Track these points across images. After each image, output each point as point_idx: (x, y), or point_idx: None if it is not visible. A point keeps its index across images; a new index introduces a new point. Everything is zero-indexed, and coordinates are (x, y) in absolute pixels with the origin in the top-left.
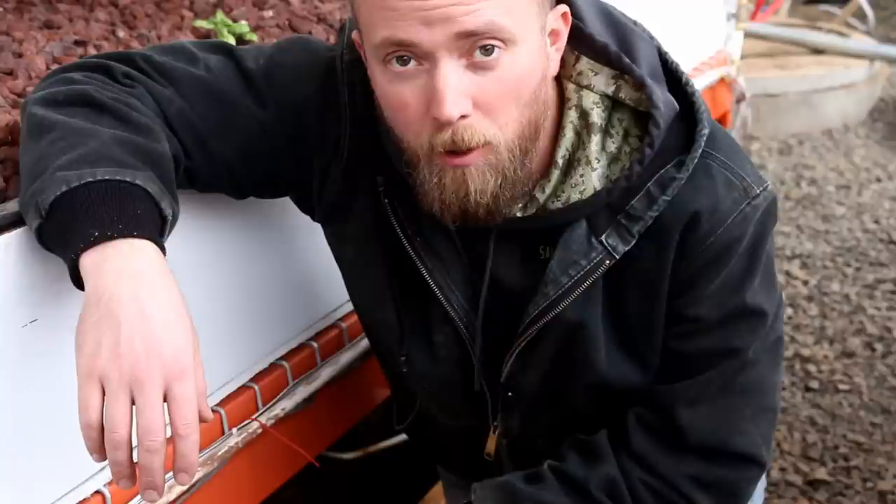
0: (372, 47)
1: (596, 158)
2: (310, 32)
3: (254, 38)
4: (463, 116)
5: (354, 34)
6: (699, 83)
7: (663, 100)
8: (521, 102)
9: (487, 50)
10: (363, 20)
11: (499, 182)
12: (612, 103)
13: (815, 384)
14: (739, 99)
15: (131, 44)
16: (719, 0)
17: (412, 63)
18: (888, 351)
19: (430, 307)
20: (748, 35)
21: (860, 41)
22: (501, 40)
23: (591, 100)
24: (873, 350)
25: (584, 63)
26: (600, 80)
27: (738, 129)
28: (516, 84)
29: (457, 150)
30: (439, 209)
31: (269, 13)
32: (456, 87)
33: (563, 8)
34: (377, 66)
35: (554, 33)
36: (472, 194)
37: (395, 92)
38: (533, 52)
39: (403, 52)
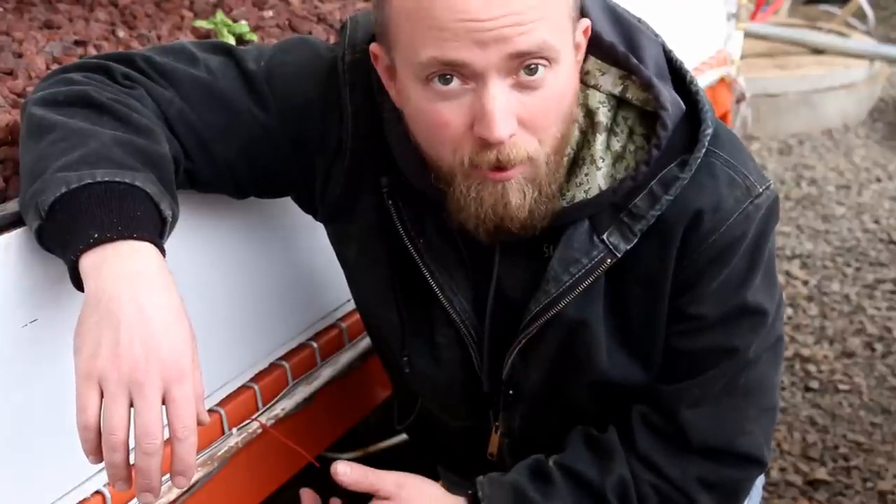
0: (414, 65)
1: (601, 157)
2: (310, 32)
3: (254, 38)
4: (511, 135)
5: (373, 46)
6: (699, 83)
7: (671, 100)
8: (559, 119)
9: (532, 69)
10: (403, 37)
11: (535, 196)
12: (618, 102)
13: (815, 384)
14: (739, 99)
15: (131, 44)
16: (719, 0)
17: (455, 82)
18: (888, 351)
19: (433, 308)
20: (748, 35)
21: (860, 41)
22: (547, 59)
23: (597, 99)
24: (873, 350)
25: (592, 63)
26: (607, 80)
27: (738, 129)
28: (558, 101)
29: (500, 167)
30: (475, 224)
31: (269, 13)
32: (505, 107)
33: (586, 22)
34: (416, 83)
35: (578, 47)
36: (512, 208)
37: (436, 110)
38: (570, 69)
39: (450, 71)
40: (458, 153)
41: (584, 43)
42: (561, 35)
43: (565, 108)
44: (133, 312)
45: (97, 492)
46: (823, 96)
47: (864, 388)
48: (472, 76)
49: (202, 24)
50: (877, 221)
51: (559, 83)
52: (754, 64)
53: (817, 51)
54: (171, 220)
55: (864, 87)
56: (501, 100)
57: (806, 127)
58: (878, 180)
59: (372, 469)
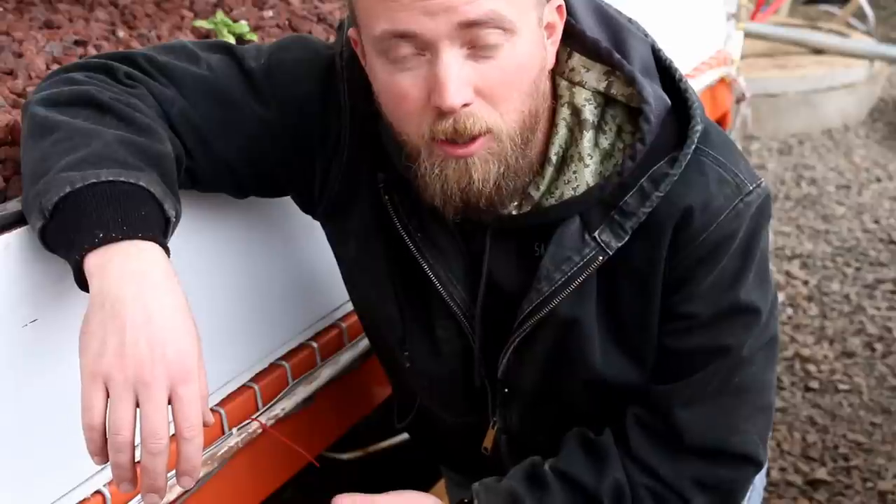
0: (372, 40)
1: (588, 155)
2: (310, 32)
3: (254, 38)
4: (465, 105)
5: (351, 31)
6: (699, 83)
7: (654, 95)
8: (521, 91)
9: (488, 39)
10: (362, 13)
11: (501, 171)
12: (605, 100)
13: (815, 384)
14: (739, 99)
15: (131, 44)
16: (719, 0)
17: (412, 53)
18: (888, 351)
19: (432, 302)
20: (748, 35)
21: (860, 41)
22: (502, 30)
23: (583, 96)
24: (873, 350)
25: (576, 59)
26: (592, 76)
27: (738, 129)
28: (517, 73)
29: (459, 138)
30: (441, 201)
31: (269, 13)
32: (458, 75)
33: (559, 1)
34: (377, 58)
35: (550, 26)
36: (475, 183)
37: (395, 83)
38: (532, 43)
39: (404, 43)
40: (420, 127)
41: (558, 23)
42: (518, 8)
43: (527, 83)
44: (139, 312)
45: (97, 492)
46: (823, 96)
47: (864, 388)
48: (425, 46)
49: (202, 24)
50: (877, 221)
51: (518, 55)
52: (754, 64)
53: (817, 51)
54: (174, 220)
55: (864, 87)
56: (454, 68)
57: (806, 127)
58: (878, 180)
59: (371, 497)
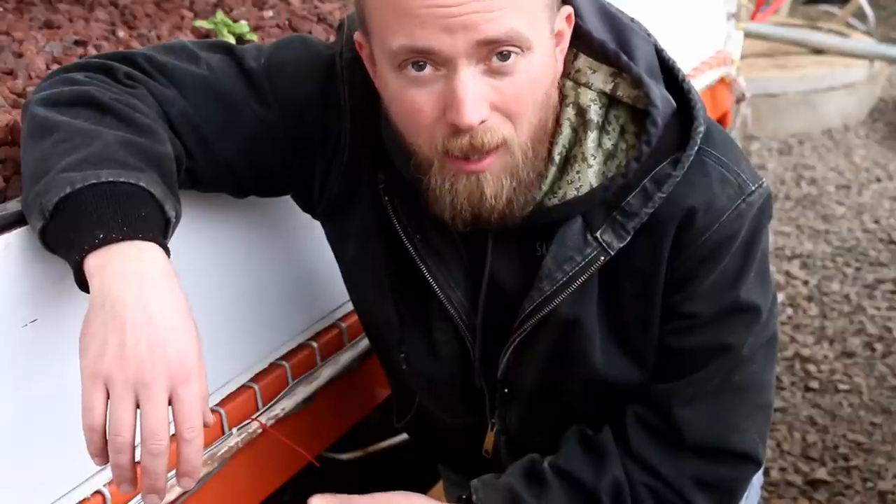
0: (386, 53)
1: (592, 155)
2: (309, 32)
3: (254, 38)
4: (482, 122)
5: (357, 35)
6: (699, 83)
7: (661, 97)
8: (535, 105)
9: (504, 56)
10: (376, 25)
11: (513, 185)
12: (610, 100)
13: (815, 384)
14: (739, 99)
15: (131, 44)
16: (719, 0)
17: (428, 69)
18: (888, 351)
19: (430, 304)
20: (748, 35)
21: (860, 41)
22: (519, 47)
23: (588, 97)
24: (873, 350)
25: (583, 61)
26: (598, 77)
27: (738, 129)
28: (532, 87)
29: (474, 154)
30: (451, 215)
31: (269, 13)
32: (475, 93)
33: (568, 10)
34: (390, 71)
35: (559, 35)
36: (488, 199)
37: (409, 96)
38: (545, 56)
39: (421, 58)
40: (432, 141)
41: (566, 31)
42: (533, 23)
43: (540, 95)
44: (139, 313)
45: (97, 492)
46: (823, 96)
47: (864, 388)
48: (442, 63)
49: (202, 24)
50: (877, 221)
51: (533, 70)
52: (754, 64)
53: (817, 51)
54: (174, 220)
55: (864, 87)
56: (471, 86)
57: (806, 127)
58: (878, 180)
59: (349, 497)
